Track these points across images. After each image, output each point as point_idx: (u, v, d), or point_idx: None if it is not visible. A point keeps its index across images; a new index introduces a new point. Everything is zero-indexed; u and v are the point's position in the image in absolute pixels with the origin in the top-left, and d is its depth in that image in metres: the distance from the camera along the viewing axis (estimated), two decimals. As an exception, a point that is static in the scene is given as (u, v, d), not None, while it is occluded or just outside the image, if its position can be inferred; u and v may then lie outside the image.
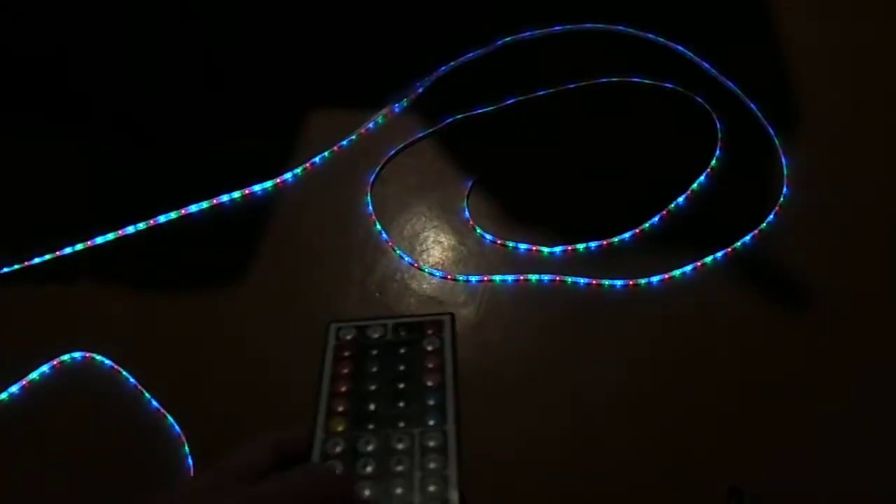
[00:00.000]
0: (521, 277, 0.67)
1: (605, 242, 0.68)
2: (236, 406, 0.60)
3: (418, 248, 0.69)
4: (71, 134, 0.78)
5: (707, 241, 0.68)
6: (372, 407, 0.37)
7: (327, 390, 0.38)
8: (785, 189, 0.71)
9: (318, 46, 0.85)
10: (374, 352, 0.39)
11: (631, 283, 0.66)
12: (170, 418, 0.60)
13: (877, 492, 0.54)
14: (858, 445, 0.56)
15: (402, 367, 0.39)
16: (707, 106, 0.77)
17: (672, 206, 0.70)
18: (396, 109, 0.79)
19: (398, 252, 0.69)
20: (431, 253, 0.69)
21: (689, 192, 0.71)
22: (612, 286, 0.66)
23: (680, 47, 0.81)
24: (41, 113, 0.79)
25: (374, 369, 0.39)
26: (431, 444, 0.37)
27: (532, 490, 0.55)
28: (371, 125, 0.78)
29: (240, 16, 0.85)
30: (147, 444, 0.59)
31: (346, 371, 0.39)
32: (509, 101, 0.78)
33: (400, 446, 0.36)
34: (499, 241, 0.69)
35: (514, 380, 0.61)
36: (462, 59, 0.82)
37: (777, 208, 0.69)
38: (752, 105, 0.77)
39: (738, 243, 0.67)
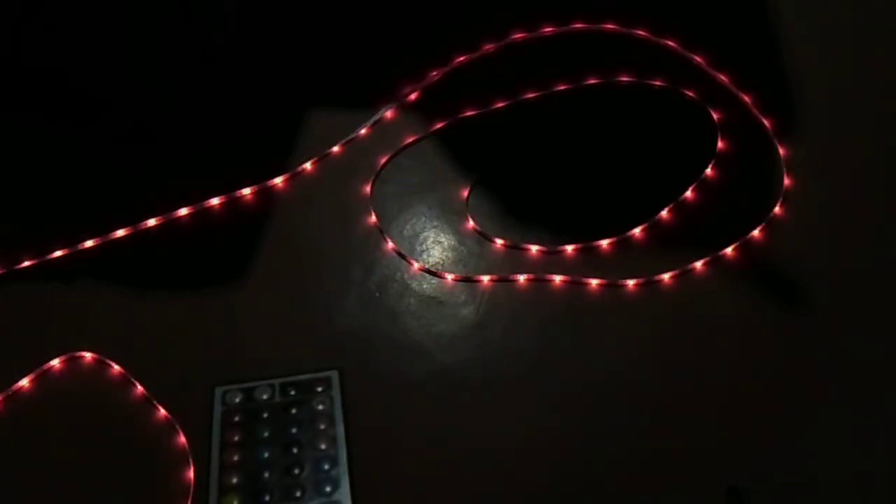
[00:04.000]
0: (521, 277, 0.67)
1: (605, 242, 0.68)
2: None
3: (418, 248, 0.69)
4: (73, 133, 0.78)
5: (707, 240, 0.68)
6: (266, 475, 0.36)
7: (218, 463, 0.37)
8: (784, 184, 0.71)
9: (318, 46, 0.85)
10: (265, 414, 0.38)
11: (632, 282, 0.66)
12: (173, 421, 0.60)
13: (877, 491, 0.54)
14: (859, 445, 0.56)
15: (294, 430, 0.37)
16: (702, 102, 0.77)
17: (668, 208, 0.70)
18: (396, 109, 0.79)
19: (398, 252, 0.69)
20: (431, 253, 0.69)
21: (687, 193, 0.71)
22: (614, 286, 0.66)
23: (670, 42, 0.82)
24: (41, 113, 0.79)
25: (266, 434, 0.37)
26: None
27: (532, 490, 0.55)
28: (371, 125, 0.78)
29: (240, 15, 0.85)
30: (148, 445, 0.59)
31: (236, 439, 0.37)
32: (509, 102, 0.78)
33: None
34: (499, 241, 0.69)
35: (514, 380, 0.61)
36: (461, 59, 0.82)
37: (775, 208, 0.69)
38: (745, 98, 0.77)
39: (729, 248, 0.67)
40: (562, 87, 0.79)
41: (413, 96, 0.80)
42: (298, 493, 0.34)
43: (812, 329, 0.62)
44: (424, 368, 0.61)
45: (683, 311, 0.64)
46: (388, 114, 0.79)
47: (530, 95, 0.79)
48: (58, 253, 0.70)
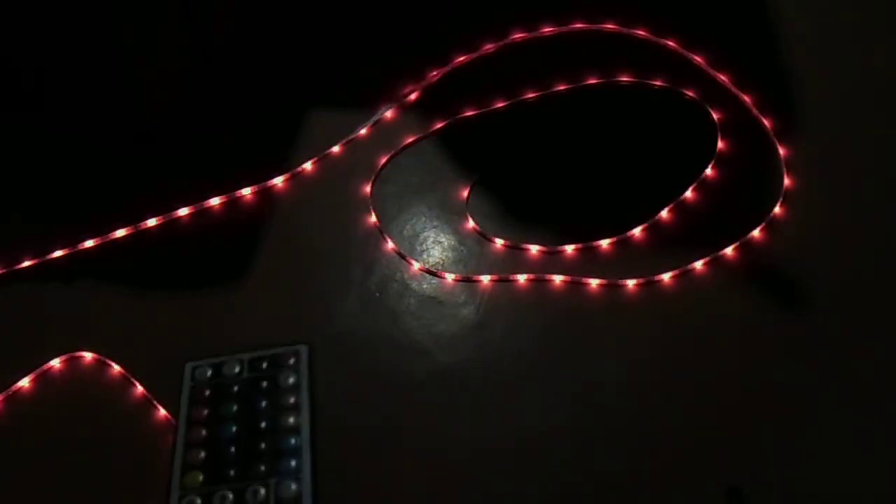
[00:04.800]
0: (521, 277, 0.67)
1: (605, 242, 0.68)
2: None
3: (418, 248, 0.69)
4: (73, 133, 0.78)
5: (707, 240, 0.68)
6: (231, 450, 0.36)
7: (183, 440, 0.36)
8: (784, 184, 0.71)
9: (318, 46, 0.85)
10: (235, 388, 0.38)
11: (632, 282, 0.66)
12: (173, 421, 0.60)
13: (877, 492, 0.54)
14: (858, 445, 0.56)
15: (262, 404, 0.37)
16: (702, 102, 0.77)
17: (668, 208, 0.70)
18: (396, 109, 0.79)
19: (398, 252, 0.69)
20: (431, 253, 0.69)
21: (687, 193, 0.71)
22: (614, 286, 0.66)
23: (670, 42, 0.82)
24: (40, 113, 0.79)
25: (234, 409, 0.37)
26: (286, 494, 0.35)
27: (532, 490, 0.55)
28: (371, 125, 0.78)
29: (240, 15, 0.85)
30: (148, 445, 0.59)
31: (204, 413, 0.37)
32: (509, 102, 0.78)
33: (257, 498, 0.35)
34: (499, 241, 0.69)
35: (514, 380, 0.61)
36: (461, 59, 0.82)
37: (775, 208, 0.69)
38: (745, 98, 0.77)
39: (729, 248, 0.67)
40: (562, 87, 0.79)
41: (413, 96, 0.80)
42: (263, 468, 0.34)
43: (812, 329, 0.62)
44: (424, 368, 0.61)
45: (683, 311, 0.64)
46: (388, 114, 0.79)
47: (530, 95, 0.79)
48: (58, 253, 0.70)
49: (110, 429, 0.60)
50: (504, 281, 0.67)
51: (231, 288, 0.67)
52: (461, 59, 0.82)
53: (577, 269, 0.67)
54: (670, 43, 0.82)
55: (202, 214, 0.73)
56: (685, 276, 0.66)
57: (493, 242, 0.69)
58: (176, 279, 0.69)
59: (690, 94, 0.78)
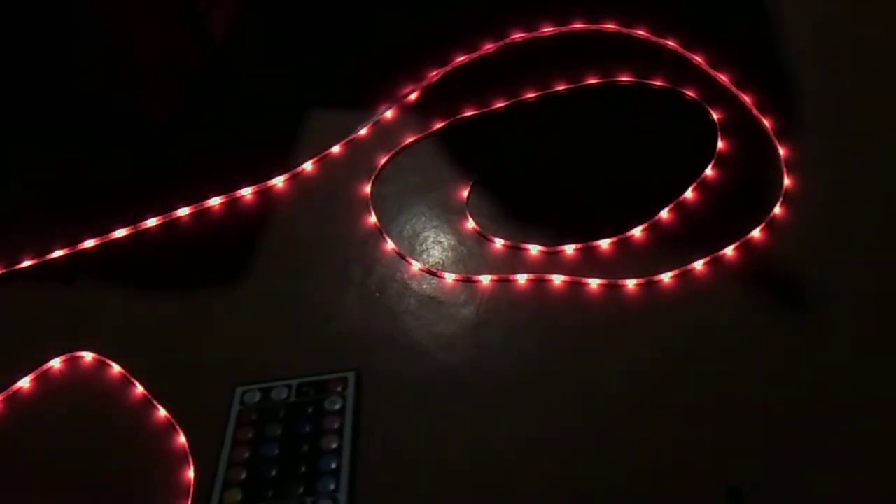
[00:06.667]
0: (521, 277, 0.67)
1: (605, 242, 0.68)
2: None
3: (418, 248, 0.69)
4: (73, 134, 0.78)
5: (707, 240, 0.68)
6: (273, 472, 0.36)
7: (227, 459, 0.37)
8: (784, 184, 0.71)
9: (318, 46, 0.85)
10: (280, 413, 0.39)
11: (632, 282, 0.65)
12: (173, 421, 0.60)
13: (877, 491, 0.54)
14: (858, 445, 0.56)
15: (306, 429, 0.38)
16: (702, 102, 0.77)
17: (668, 208, 0.70)
18: (396, 109, 0.79)
19: (398, 252, 0.69)
20: (431, 253, 0.69)
21: (688, 193, 0.71)
22: (614, 286, 0.66)
23: (670, 42, 0.82)
24: (41, 115, 0.79)
25: (278, 432, 0.38)
26: None
27: (532, 489, 0.55)
28: (371, 125, 0.78)
29: (241, 15, 0.85)
30: (148, 445, 0.59)
31: (249, 436, 0.38)
32: (509, 102, 0.78)
33: None
34: (499, 241, 0.69)
35: (514, 379, 0.61)
36: (461, 59, 0.82)
37: (775, 208, 0.69)
38: (745, 98, 0.77)
39: (729, 248, 0.67)
40: (562, 87, 0.79)
41: (413, 96, 0.80)
42: (301, 490, 0.35)
43: (812, 329, 0.62)
44: (424, 368, 0.61)
45: (683, 311, 0.64)
46: (388, 114, 0.79)
47: (530, 95, 0.79)
48: (58, 253, 0.70)
49: (110, 429, 0.60)
50: (504, 281, 0.67)
51: (231, 288, 0.67)
52: (461, 59, 0.82)
53: (577, 269, 0.67)
54: (670, 43, 0.82)
55: (202, 214, 0.73)
56: (685, 276, 0.66)
57: (493, 242, 0.69)
58: (176, 279, 0.69)
59: (690, 94, 0.78)
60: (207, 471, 0.35)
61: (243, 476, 0.36)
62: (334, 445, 0.37)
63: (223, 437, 0.36)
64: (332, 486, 0.36)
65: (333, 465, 0.37)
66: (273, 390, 0.40)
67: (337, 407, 0.39)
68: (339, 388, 0.40)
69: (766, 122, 0.75)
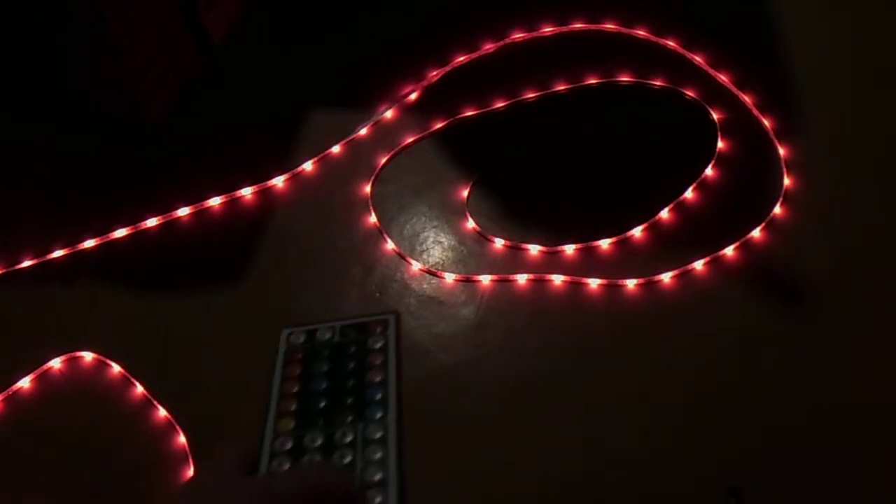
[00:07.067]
0: (521, 277, 0.67)
1: (605, 242, 0.68)
2: (237, 406, 0.60)
3: (418, 248, 0.69)
4: (73, 134, 0.78)
5: (707, 240, 0.68)
6: (322, 404, 0.38)
7: (277, 393, 0.40)
8: (784, 184, 0.71)
9: (318, 46, 0.85)
10: (326, 352, 0.41)
11: (632, 282, 0.66)
12: (173, 421, 0.60)
13: (876, 492, 0.54)
14: (858, 445, 0.56)
15: (351, 365, 0.40)
16: (702, 102, 0.77)
17: (668, 208, 0.70)
18: (396, 109, 0.79)
19: (398, 252, 0.69)
20: (431, 253, 0.69)
21: (688, 193, 0.71)
22: (614, 286, 0.66)
23: (670, 42, 0.82)
24: (41, 114, 0.79)
25: (324, 368, 0.40)
26: (374, 435, 0.38)
27: (532, 488, 0.55)
28: (371, 125, 0.78)
29: (241, 15, 0.85)
30: (148, 445, 0.59)
31: (297, 373, 0.40)
32: (509, 102, 0.78)
33: (344, 440, 0.37)
34: (499, 241, 0.69)
35: (514, 379, 0.61)
36: (461, 59, 0.82)
37: (775, 208, 0.69)
38: (745, 98, 0.77)
39: (729, 248, 0.67)
40: (562, 87, 0.79)
41: (413, 96, 0.80)
42: (350, 418, 0.37)
43: (812, 329, 0.62)
44: (424, 368, 0.61)
45: (683, 311, 0.64)
46: (388, 114, 0.79)
47: (530, 95, 0.79)
48: (58, 253, 0.70)
49: (110, 429, 0.60)
50: (504, 281, 0.67)
51: (230, 288, 0.67)
52: (461, 59, 0.82)
53: (577, 269, 0.67)
54: (670, 43, 0.82)
55: (202, 214, 0.73)
56: (685, 276, 0.66)
57: (493, 242, 0.69)
58: (176, 279, 0.69)
59: (690, 94, 0.78)
60: (258, 410, 0.37)
61: (294, 407, 0.38)
62: (378, 378, 0.40)
63: (272, 374, 0.39)
64: (379, 414, 0.38)
65: (379, 396, 0.39)
66: (317, 332, 0.43)
67: (379, 345, 0.41)
68: (380, 330, 0.42)
69: (766, 122, 0.75)
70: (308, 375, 0.40)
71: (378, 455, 0.37)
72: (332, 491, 0.33)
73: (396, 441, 0.38)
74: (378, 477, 0.36)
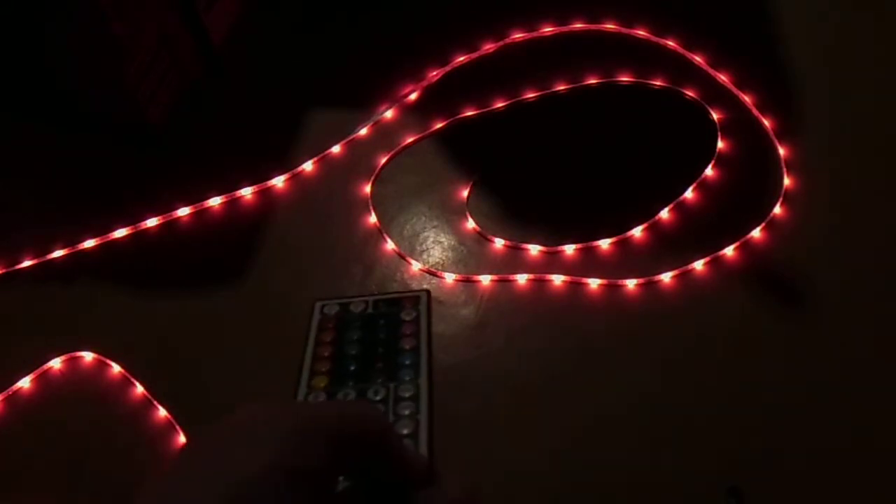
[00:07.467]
0: (521, 277, 0.67)
1: (605, 242, 0.68)
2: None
3: (418, 248, 0.69)
4: (74, 134, 0.78)
5: (707, 240, 0.68)
6: (352, 367, 0.39)
7: (311, 354, 0.41)
8: (784, 184, 0.71)
9: (318, 46, 0.85)
10: (357, 323, 0.42)
11: (632, 282, 0.66)
12: (173, 421, 0.60)
13: (876, 491, 0.54)
14: (858, 445, 0.56)
15: (381, 335, 0.41)
16: (702, 102, 0.77)
17: (668, 208, 0.70)
18: (396, 109, 0.79)
19: (398, 252, 0.69)
20: (431, 253, 0.69)
21: (688, 193, 0.71)
22: (614, 286, 0.66)
23: (670, 42, 0.82)
24: (41, 114, 0.79)
25: (356, 337, 0.41)
26: (405, 394, 0.39)
27: (532, 488, 0.55)
28: (371, 125, 0.78)
29: (241, 15, 0.85)
30: (148, 445, 0.59)
31: (329, 339, 0.41)
32: (509, 102, 0.78)
33: (377, 397, 0.38)
34: (499, 241, 0.69)
35: (514, 379, 0.61)
36: (461, 59, 0.82)
37: (775, 208, 0.69)
38: (745, 98, 0.77)
39: (729, 248, 0.67)
40: (562, 87, 0.79)
41: (413, 96, 0.80)
42: (380, 379, 0.38)
43: (812, 329, 0.62)
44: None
45: (683, 311, 0.64)
46: (388, 114, 0.79)
47: (530, 95, 0.79)
48: (58, 253, 0.70)
49: (110, 429, 0.60)
50: (504, 281, 0.67)
51: (230, 288, 0.67)
52: (461, 59, 0.82)
53: (578, 269, 0.67)
54: (670, 43, 0.82)
55: (202, 214, 0.73)
56: (685, 276, 0.66)
57: (493, 242, 0.69)
58: (176, 279, 0.69)
59: (690, 94, 0.78)
60: (292, 371, 0.38)
61: (326, 368, 0.40)
62: (409, 346, 0.41)
63: (305, 341, 0.40)
64: (410, 376, 0.39)
65: (409, 361, 0.40)
66: (351, 304, 0.44)
67: (412, 317, 0.42)
68: (412, 304, 0.43)
69: (766, 122, 0.75)
70: (341, 342, 0.42)
71: (408, 411, 0.38)
72: (367, 422, 0.33)
73: (428, 399, 0.39)
74: (407, 431, 0.37)
